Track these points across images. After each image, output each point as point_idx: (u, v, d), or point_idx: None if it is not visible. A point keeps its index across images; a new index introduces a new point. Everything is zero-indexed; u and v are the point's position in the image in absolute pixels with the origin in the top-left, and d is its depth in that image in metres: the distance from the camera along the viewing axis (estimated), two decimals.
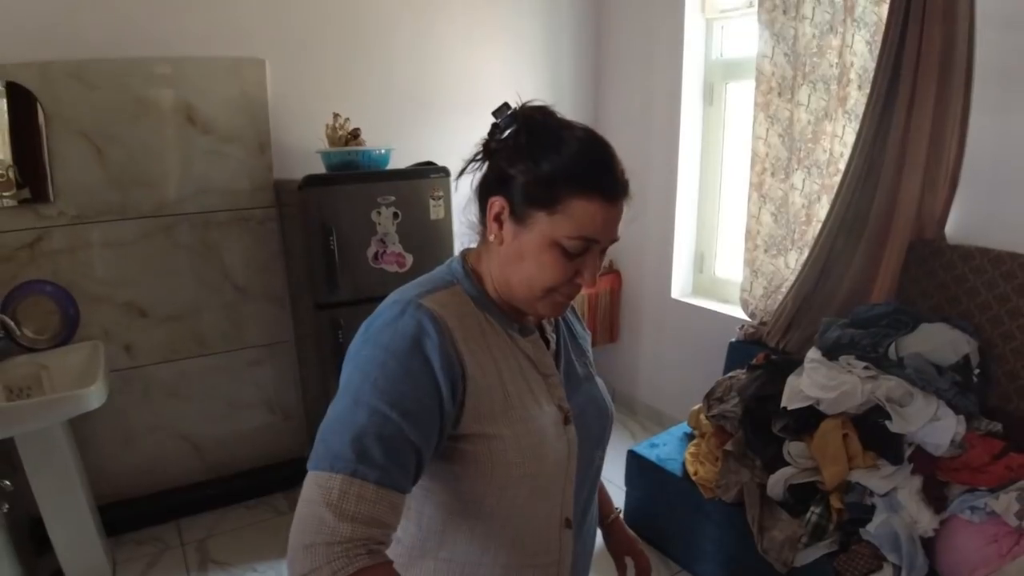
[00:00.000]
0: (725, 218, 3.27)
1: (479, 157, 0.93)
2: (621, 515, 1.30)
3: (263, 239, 2.86)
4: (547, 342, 1.02)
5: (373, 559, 0.75)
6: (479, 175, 0.93)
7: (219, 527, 2.81)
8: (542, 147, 0.85)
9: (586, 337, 1.17)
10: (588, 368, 1.10)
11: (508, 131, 0.89)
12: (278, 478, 3.04)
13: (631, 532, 1.31)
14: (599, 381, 1.12)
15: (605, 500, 1.28)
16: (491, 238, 0.90)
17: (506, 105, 0.90)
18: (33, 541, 2.52)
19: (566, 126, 0.88)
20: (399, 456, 0.79)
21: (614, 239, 0.89)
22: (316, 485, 0.77)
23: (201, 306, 2.80)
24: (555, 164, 0.84)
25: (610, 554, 1.29)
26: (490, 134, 0.91)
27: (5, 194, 2.38)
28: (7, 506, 2.06)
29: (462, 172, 0.93)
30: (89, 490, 2.48)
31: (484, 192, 0.92)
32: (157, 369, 2.77)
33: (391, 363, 0.81)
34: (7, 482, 2.02)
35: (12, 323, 2.35)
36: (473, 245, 1.00)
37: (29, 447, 2.21)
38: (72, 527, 2.34)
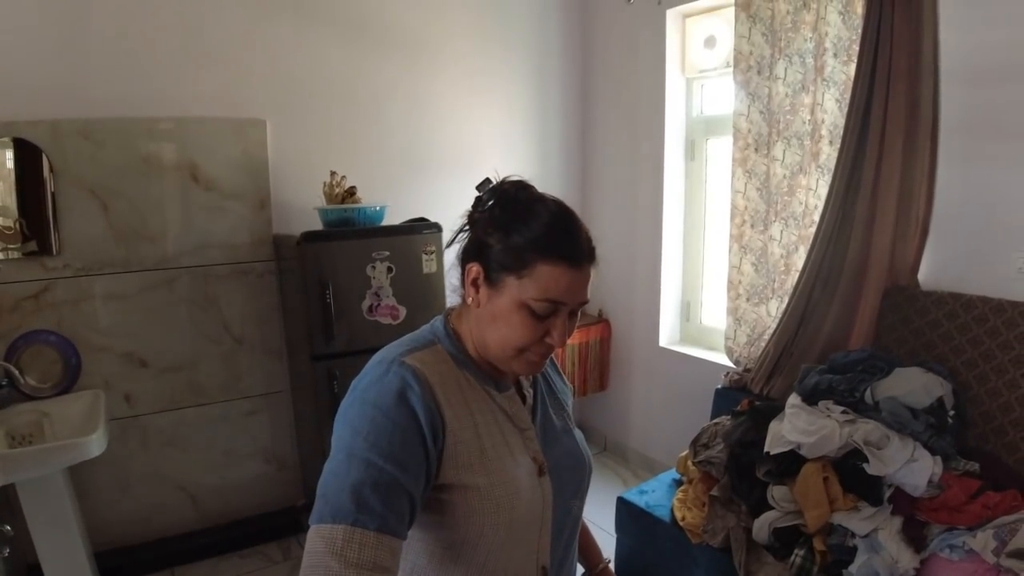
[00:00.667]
0: (709, 268, 3.37)
1: (465, 228, 1.01)
2: (611, 564, 1.33)
3: (262, 292, 2.95)
4: (523, 397, 1.08)
5: None
6: (463, 243, 1.02)
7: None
8: (514, 218, 0.93)
9: (566, 391, 1.23)
10: (566, 421, 1.15)
11: (488, 203, 0.97)
12: (272, 527, 3.06)
13: None
14: (578, 434, 1.17)
15: (594, 550, 1.32)
16: (469, 301, 0.98)
17: (487, 180, 0.99)
18: None
19: (539, 199, 0.96)
20: (395, 504, 0.84)
21: (582, 301, 0.96)
22: (320, 537, 0.81)
23: (200, 356, 2.87)
24: (524, 234, 0.92)
25: None
26: (474, 206, 1.00)
27: (12, 246, 2.47)
28: (7, 550, 2.10)
29: (451, 242, 1.03)
30: (86, 537, 2.51)
31: (464, 258, 1.00)
32: (155, 418, 2.82)
33: (379, 418, 0.87)
34: (8, 527, 2.06)
35: (16, 371, 2.41)
36: (457, 302, 1.08)
37: (29, 493, 2.25)
38: (69, 574, 2.36)
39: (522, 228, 0.92)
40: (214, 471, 2.98)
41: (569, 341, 3.59)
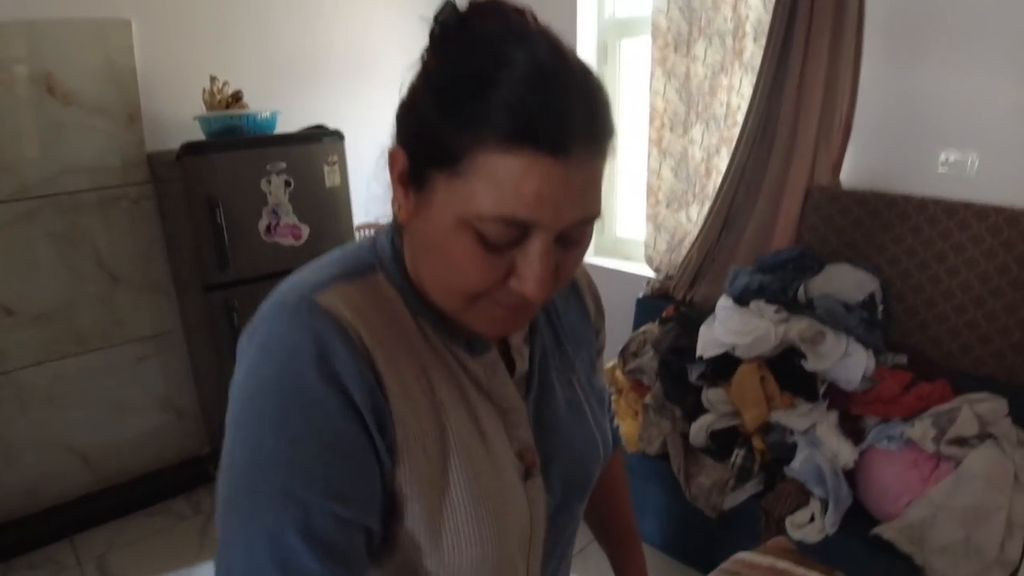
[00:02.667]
0: (623, 177, 3.26)
1: (412, 83, 0.61)
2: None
3: (139, 220, 2.60)
4: (510, 362, 0.71)
5: None
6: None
7: (118, 540, 2.57)
8: (464, 68, 0.55)
9: (587, 332, 0.83)
10: (575, 388, 0.77)
11: (436, 42, 0.59)
12: (177, 481, 2.81)
13: None
14: (591, 404, 0.79)
15: (630, 547, 0.99)
16: (396, 210, 0.62)
17: (448, 2, 0.59)
18: None
19: (519, 36, 0.55)
20: (347, 554, 0.55)
21: (580, 219, 0.57)
22: None
23: (74, 300, 2.53)
24: (475, 98, 0.53)
25: None
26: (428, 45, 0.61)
27: None
28: None
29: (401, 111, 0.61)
30: None
31: (395, 136, 0.62)
32: (30, 373, 2.48)
33: (292, 417, 0.55)
34: None
35: None
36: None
37: None
38: None
39: (474, 87, 0.53)
40: (105, 427, 2.67)
41: None
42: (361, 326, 0.58)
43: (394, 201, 0.62)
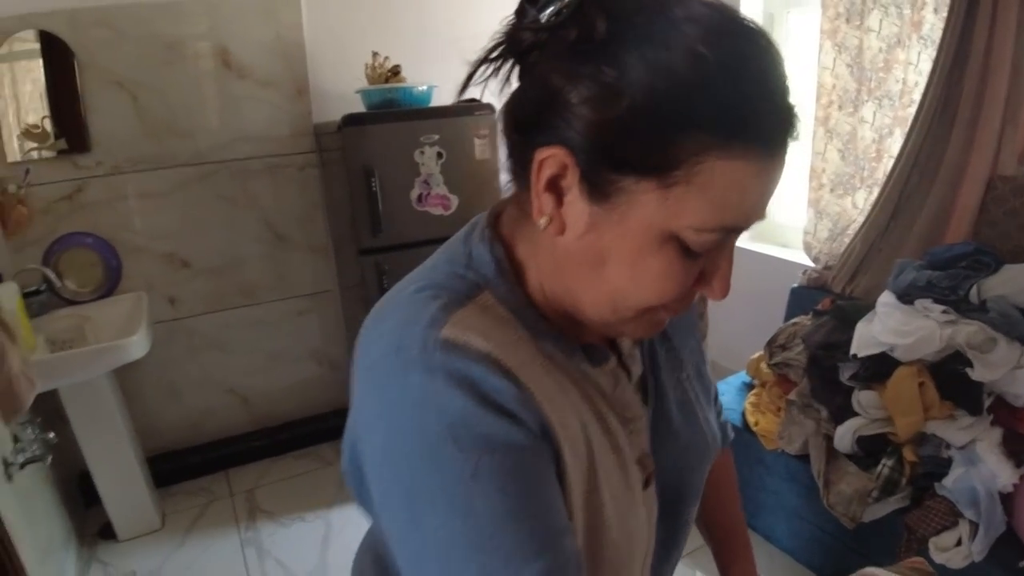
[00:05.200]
0: (792, 162, 3.09)
1: (495, 56, 0.54)
2: None
3: (304, 186, 2.78)
4: (624, 367, 0.67)
5: None
6: (508, 94, 0.55)
7: (267, 477, 2.81)
8: (637, 42, 0.46)
9: (691, 318, 0.77)
10: (684, 389, 0.72)
11: (557, 7, 0.50)
12: (325, 428, 3.02)
13: None
14: (700, 403, 0.74)
15: (738, 541, 0.93)
16: (541, 222, 0.53)
17: None
18: (81, 494, 2.54)
19: (696, 18, 0.47)
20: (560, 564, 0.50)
21: (762, 217, 0.53)
22: None
23: (243, 256, 2.75)
24: (670, 82, 0.46)
25: None
26: (519, 12, 0.53)
27: (41, 145, 2.32)
28: (50, 458, 2.06)
29: (465, 86, 0.55)
30: (137, 443, 2.48)
31: (522, 132, 0.54)
32: (201, 320, 2.74)
33: (489, 474, 0.48)
34: (52, 434, 2.02)
35: (54, 275, 2.31)
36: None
37: (74, 400, 2.22)
38: (120, 479, 2.35)
39: (661, 67, 0.46)
40: (264, 374, 2.92)
41: None
42: (495, 350, 0.52)
43: (533, 209, 0.54)
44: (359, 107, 2.55)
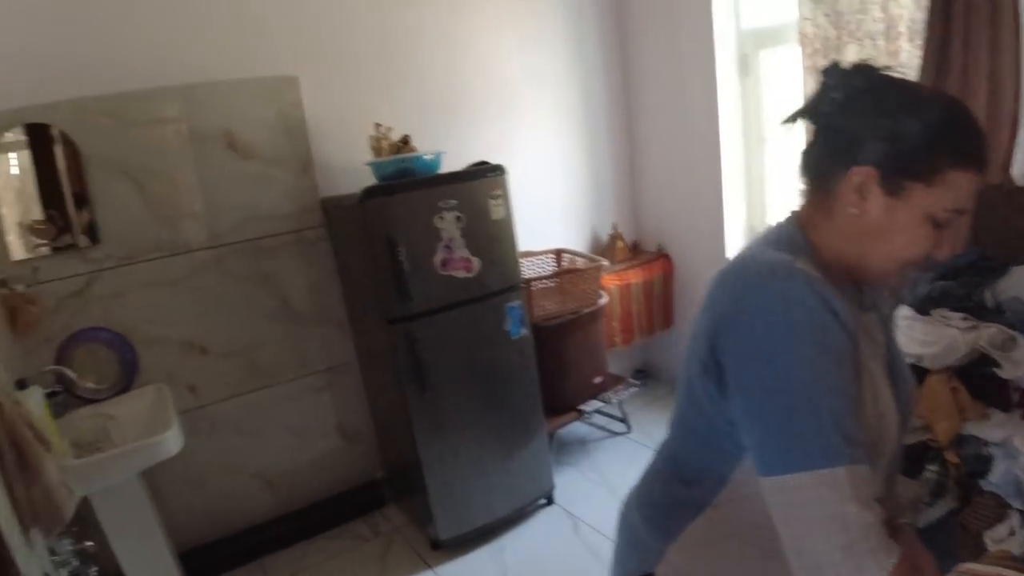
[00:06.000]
0: (773, 191, 3.23)
1: (805, 114, 0.91)
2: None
3: (316, 260, 2.79)
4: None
5: (894, 541, 0.76)
6: (811, 142, 0.91)
7: (304, 562, 2.73)
8: (903, 109, 0.82)
9: (893, 309, 1.09)
10: (897, 344, 1.05)
11: (845, 91, 0.86)
12: (355, 504, 2.96)
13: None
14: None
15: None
16: (853, 211, 0.87)
17: (836, 63, 0.88)
18: None
19: (913, 86, 0.86)
20: (862, 433, 0.79)
21: (973, 205, 0.86)
22: (819, 485, 0.75)
23: (260, 336, 2.72)
24: (926, 131, 0.81)
25: None
26: (819, 95, 0.89)
27: (45, 241, 2.28)
28: (95, 569, 1.96)
29: (793, 118, 0.92)
30: (170, 541, 2.39)
31: (831, 160, 0.88)
32: (222, 406, 2.68)
33: (825, 337, 0.79)
34: (90, 543, 1.92)
35: (70, 374, 2.23)
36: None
37: (106, 503, 2.12)
38: None
39: (916, 122, 0.81)
40: (287, 453, 2.86)
41: (633, 280, 3.45)
42: (821, 281, 0.82)
43: (846, 204, 0.86)
44: (364, 178, 2.55)
